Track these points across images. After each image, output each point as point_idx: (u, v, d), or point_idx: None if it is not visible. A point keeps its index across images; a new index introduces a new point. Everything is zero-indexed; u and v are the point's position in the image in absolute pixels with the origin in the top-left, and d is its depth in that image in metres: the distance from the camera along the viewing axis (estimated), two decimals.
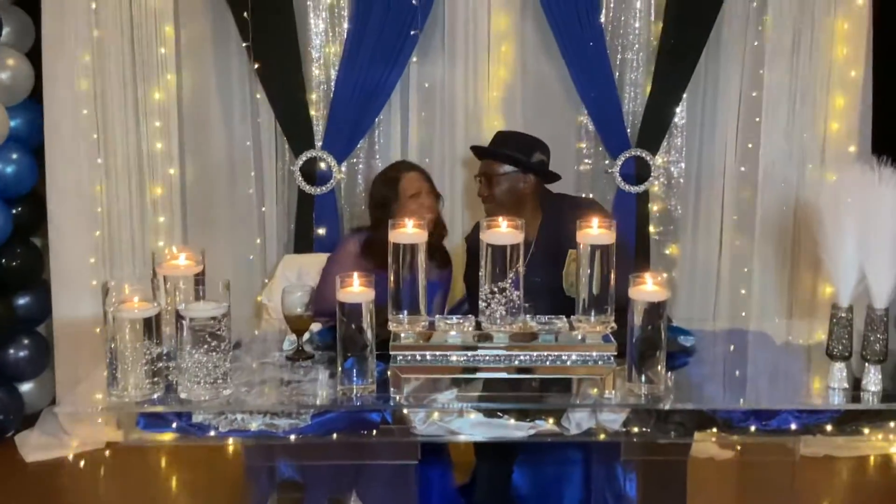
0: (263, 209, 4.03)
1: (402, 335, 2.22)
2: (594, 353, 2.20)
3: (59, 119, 3.82)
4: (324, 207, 3.91)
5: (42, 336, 4.12)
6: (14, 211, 3.96)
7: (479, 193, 3.13)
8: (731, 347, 2.77)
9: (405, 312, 2.22)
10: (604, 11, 3.88)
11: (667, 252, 4.09)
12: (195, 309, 2.18)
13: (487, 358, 2.20)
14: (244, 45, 3.82)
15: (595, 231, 2.21)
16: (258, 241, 4.04)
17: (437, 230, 3.22)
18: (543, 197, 3.12)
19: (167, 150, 3.88)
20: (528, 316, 2.29)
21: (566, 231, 2.70)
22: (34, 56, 3.88)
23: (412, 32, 3.80)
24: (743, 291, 4.01)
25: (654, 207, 4.04)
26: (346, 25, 3.84)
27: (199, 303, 2.21)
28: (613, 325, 2.22)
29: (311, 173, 3.90)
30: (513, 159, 3.05)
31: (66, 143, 3.83)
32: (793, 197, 3.89)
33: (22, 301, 4.07)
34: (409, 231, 2.20)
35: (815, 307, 3.86)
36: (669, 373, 2.32)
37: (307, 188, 3.91)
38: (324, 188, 3.90)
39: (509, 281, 2.18)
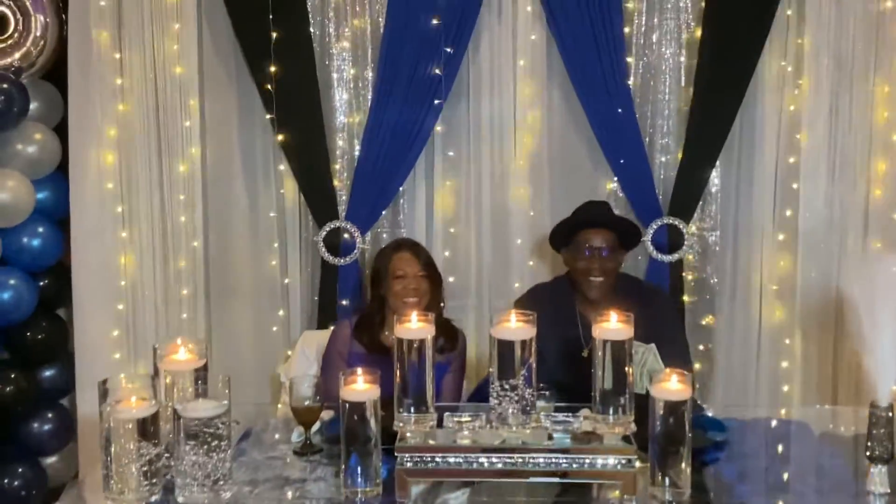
0: (287, 280, 3.97)
1: (409, 435, 2.11)
2: (613, 458, 2.07)
3: (85, 192, 3.82)
4: (347, 278, 3.84)
5: (66, 409, 4.08)
6: (40, 283, 3.96)
7: (589, 266, 2.96)
8: (768, 442, 2.61)
9: (412, 411, 2.11)
10: (632, 76, 3.78)
11: (703, 322, 3.92)
12: (193, 408, 2.10)
13: (499, 461, 2.08)
14: (268, 117, 3.80)
15: (613, 325, 2.09)
16: (281, 312, 3.98)
17: (431, 309, 3.13)
18: (617, 279, 3.03)
19: (191, 222, 3.85)
20: (542, 413, 2.17)
21: (637, 321, 2.53)
22: (62, 130, 3.90)
23: (436, 102, 3.74)
24: (784, 364, 3.82)
25: (689, 277, 3.89)
26: (369, 96, 3.80)
27: (199, 401, 2.13)
28: (633, 425, 2.09)
29: (335, 244, 3.84)
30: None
31: (91, 216, 3.83)
32: (834, 267, 3.72)
33: (47, 374, 4.05)
34: (413, 326, 2.10)
35: (861, 384, 3.65)
36: (702, 469, 2.17)
37: (331, 259, 3.84)
38: (347, 259, 3.84)
39: (521, 378, 2.07)
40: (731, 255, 3.90)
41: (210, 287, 3.95)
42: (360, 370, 2.12)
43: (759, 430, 2.68)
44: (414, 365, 2.09)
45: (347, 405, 2.08)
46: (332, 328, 3.46)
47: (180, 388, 2.19)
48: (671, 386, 2.06)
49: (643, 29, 3.77)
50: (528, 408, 2.09)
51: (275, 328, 3.97)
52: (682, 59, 3.78)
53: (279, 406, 3.15)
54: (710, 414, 2.55)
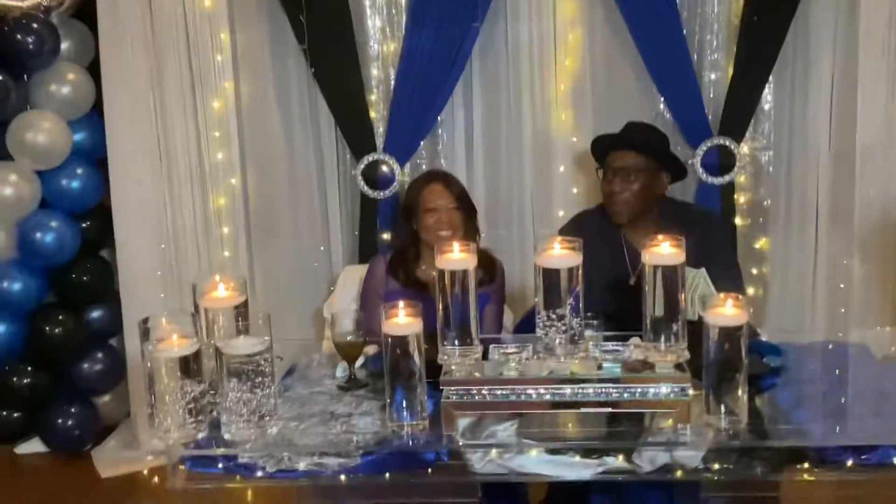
0: (326, 215, 3.91)
1: (454, 368, 2.05)
2: (665, 386, 1.99)
3: (121, 132, 3.78)
4: (387, 211, 3.78)
5: (115, 349, 4.12)
6: (83, 225, 3.96)
7: (610, 189, 2.80)
8: (826, 366, 2.51)
9: (456, 343, 2.05)
10: None
11: (756, 246, 3.80)
12: (235, 345, 2.06)
13: (547, 393, 2.02)
14: (301, 47, 3.70)
15: (665, 250, 1.99)
16: (322, 248, 3.94)
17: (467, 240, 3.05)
18: (662, 201, 2.87)
19: (228, 159, 3.80)
20: (591, 343, 2.09)
21: (687, 246, 2.44)
22: (95, 69, 3.85)
23: (473, 24, 3.60)
24: (842, 286, 3.69)
25: (741, 199, 3.75)
26: (403, 22, 3.67)
27: (240, 338, 2.09)
28: (686, 353, 2.00)
29: (374, 177, 3.76)
30: (660, 150, 2.79)
31: (129, 155, 3.79)
32: (894, 184, 3.55)
33: (95, 314, 4.08)
34: (455, 256, 2.03)
35: None
36: (758, 396, 2.09)
37: (370, 192, 3.77)
38: (387, 192, 3.77)
39: (568, 307, 1.99)
40: (784, 175, 3.76)
41: (251, 224, 3.91)
42: (401, 303, 2.05)
43: (816, 354, 2.57)
44: (457, 297, 2.02)
45: (390, 339, 2.02)
46: None
47: (221, 325, 2.15)
48: (726, 311, 1.96)
49: None
50: (576, 337, 2.01)
51: (316, 264, 3.94)
52: None
53: (323, 341, 3.11)
54: (764, 339, 2.45)
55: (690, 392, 2.00)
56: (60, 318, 3.91)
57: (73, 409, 3.93)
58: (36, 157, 3.73)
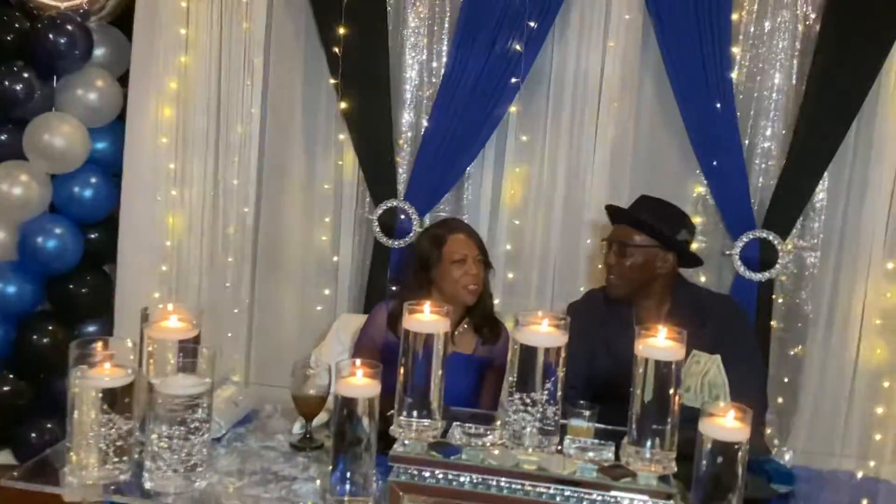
0: (336, 258, 3.72)
1: (407, 443, 1.81)
2: (646, 500, 1.72)
3: (139, 146, 3.67)
4: (400, 262, 3.56)
5: None
6: (89, 236, 3.83)
7: (606, 261, 2.69)
8: (844, 501, 2.19)
9: (414, 415, 1.81)
10: (736, 68, 3.36)
11: (791, 353, 3.47)
12: (171, 384, 1.85)
13: (507, 487, 1.76)
14: (332, 82, 3.55)
15: (660, 342, 1.73)
16: (327, 292, 3.73)
17: (483, 300, 2.82)
18: (674, 283, 2.67)
19: (244, 187, 3.66)
20: (570, 438, 1.83)
21: (696, 327, 2.29)
22: (128, 79, 3.75)
23: (513, 80, 3.41)
24: (879, 410, 3.35)
25: (780, 300, 3.45)
26: (442, 69, 3.50)
27: (179, 376, 1.88)
28: (674, 465, 1.73)
29: (390, 224, 3.56)
30: (656, 230, 2.62)
31: (144, 171, 3.67)
32: None
33: (89, 329, 3.92)
34: (425, 318, 1.80)
35: None
36: None
37: (384, 240, 3.57)
38: (402, 241, 3.56)
39: (545, 393, 1.74)
40: (830, 279, 3.44)
41: (257, 256, 3.74)
42: (358, 361, 1.83)
43: (836, 485, 2.26)
44: (420, 363, 1.79)
45: (340, 400, 1.79)
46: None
47: (163, 359, 1.95)
48: (725, 422, 1.69)
49: (753, 16, 3.35)
50: (550, 428, 1.75)
51: (319, 307, 3.73)
52: (796, 52, 3.34)
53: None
54: (778, 461, 2.15)
55: None
56: (51, 328, 3.77)
57: (48, 425, 3.75)
58: (50, 159, 3.62)
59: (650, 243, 2.61)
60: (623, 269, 2.61)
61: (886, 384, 3.34)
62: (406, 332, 1.79)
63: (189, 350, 1.92)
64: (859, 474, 2.47)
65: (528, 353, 1.73)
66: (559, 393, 1.75)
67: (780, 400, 3.47)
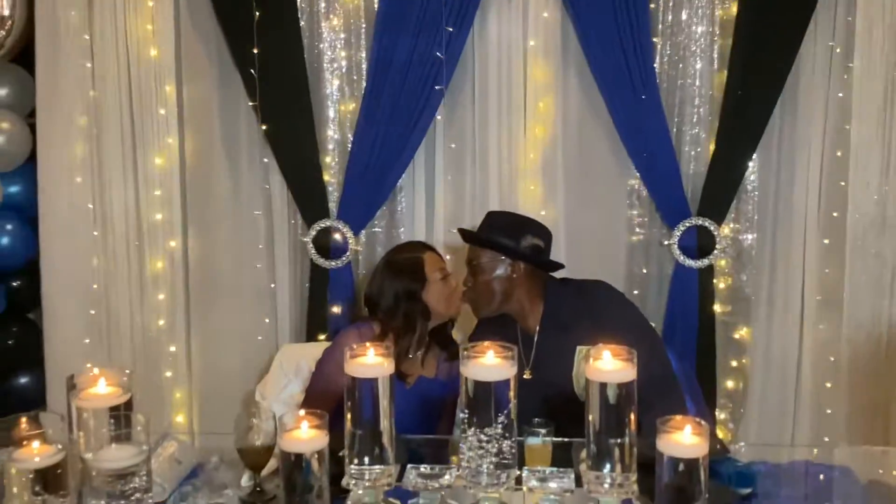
0: (273, 285, 3.61)
1: (361, 493, 1.74)
2: None
3: (53, 187, 3.50)
4: (339, 283, 3.47)
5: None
6: (12, 284, 3.66)
7: (464, 283, 2.70)
8: (803, 493, 2.19)
9: (366, 462, 1.74)
10: (658, 59, 3.35)
11: (736, 336, 3.49)
12: (105, 457, 1.74)
13: None
14: (251, 104, 3.44)
15: (608, 365, 1.69)
16: (267, 320, 3.62)
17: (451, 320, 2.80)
18: (543, 285, 2.65)
19: (168, 220, 3.50)
20: (526, 471, 1.78)
21: (572, 322, 2.44)
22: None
23: (437, 88, 3.34)
24: (828, 385, 3.39)
25: (721, 284, 3.46)
26: (363, 82, 3.41)
27: (113, 447, 1.77)
28: (635, 486, 1.69)
29: (326, 245, 3.47)
30: (497, 244, 2.60)
31: (61, 213, 3.50)
32: (888, 276, 3.27)
33: (23, 380, 3.75)
34: (369, 360, 1.72)
35: None
36: None
37: (321, 262, 3.48)
38: (339, 262, 3.47)
39: (498, 426, 1.68)
40: (769, 260, 3.47)
41: (189, 292, 3.61)
42: (304, 412, 1.74)
43: (794, 477, 2.26)
44: (368, 408, 1.72)
45: (286, 456, 1.71)
46: (321, 339, 3.21)
47: (93, 430, 1.84)
48: (682, 439, 1.65)
49: (671, 4, 3.33)
50: (507, 461, 1.70)
51: (260, 337, 3.62)
52: (716, 38, 3.34)
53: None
54: (737, 460, 2.14)
55: None
56: None
57: None
58: None
59: (496, 258, 2.60)
60: (476, 287, 2.62)
61: (832, 358, 3.37)
62: (352, 380, 1.71)
63: (122, 418, 1.81)
64: (814, 451, 2.47)
65: (478, 388, 1.67)
66: (513, 426, 1.70)
67: (729, 384, 3.49)
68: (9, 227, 3.58)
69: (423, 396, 2.73)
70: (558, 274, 2.71)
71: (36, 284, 3.63)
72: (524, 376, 2.61)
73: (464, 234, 2.77)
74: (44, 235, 3.52)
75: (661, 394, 2.34)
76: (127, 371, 1.94)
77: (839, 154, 3.31)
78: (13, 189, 3.61)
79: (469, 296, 2.68)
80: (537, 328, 2.62)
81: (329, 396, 2.43)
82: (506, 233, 2.62)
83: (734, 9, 3.29)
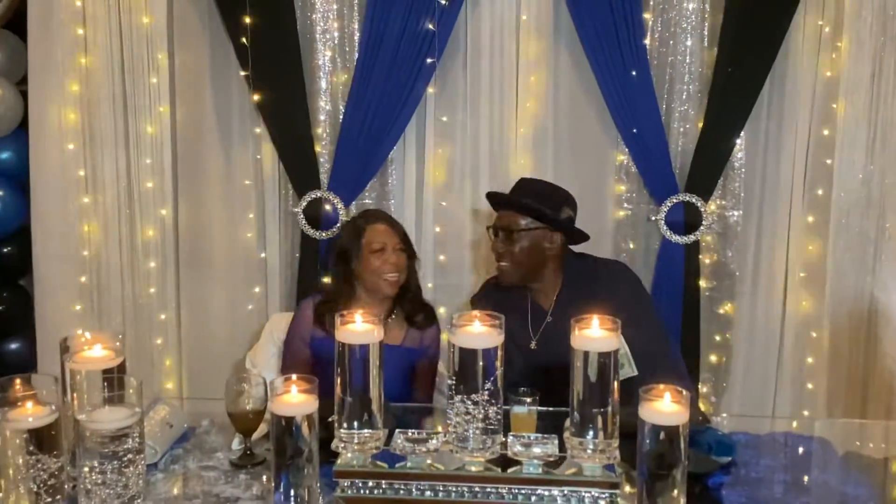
0: (263, 255, 3.64)
1: (350, 456, 1.78)
2: (595, 491, 1.73)
3: (45, 154, 3.51)
4: (324, 256, 3.50)
5: None
6: (2, 251, 3.68)
7: (493, 249, 2.68)
8: (782, 463, 2.24)
9: (355, 426, 1.77)
10: (648, 35, 3.37)
11: (721, 311, 3.54)
12: (98, 419, 1.78)
13: (455, 491, 1.74)
14: (243, 74, 3.44)
15: (596, 332, 1.72)
16: (257, 289, 3.65)
17: (409, 289, 2.82)
18: (565, 261, 2.66)
19: (159, 188, 3.53)
20: (511, 437, 1.82)
21: (590, 299, 2.32)
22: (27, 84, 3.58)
23: (428, 61, 3.36)
24: (809, 360, 3.45)
25: (707, 260, 3.50)
26: (355, 53, 3.42)
27: (106, 409, 1.81)
28: (617, 454, 1.74)
29: (316, 216, 3.49)
30: (540, 213, 2.59)
31: (52, 180, 3.51)
32: (870, 253, 3.32)
33: (12, 347, 3.78)
34: (358, 328, 1.76)
35: None
36: (703, 495, 1.85)
37: (311, 232, 3.50)
38: (329, 232, 3.50)
39: (485, 394, 1.72)
40: (754, 237, 3.52)
41: (180, 260, 3.63)
42: (294, 377, 1.78)
43: (774, 448, 2.31)
44: (358, 374, 1.75)
45: (276, 418, 1.74)
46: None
47: (87, 391, 1.87)
48: (662, 406, 1.69)
49: None
50: (493, 427, 1.74)
51: (250, 306, 3.65)
52: (706, 16, 3.37)
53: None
54: (717, 431, 2.18)
55: (620, 501, 1.73)
56: None
57: None
58: None
59: (536, 226, 2.59)
60: (513, 256, 2.59)
61: (814, 334, 3.43)
62: (341, 346, 1.74)
63: (115, 381, 1.85)
64: (791, 438, 2.51)
65: (466, 355, 1.71)
66: (500, 393, 1.74)
67: (712, 358, 3.55)
68: (0, 193, 3.59)
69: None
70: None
71: (27, 251, 3.65)
72: (530, 346, 2.62)
73: (499, 198, 2.72)
74: (35, 202, 3.54)
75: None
76: (119, 336, 1.96)
77: (826, 133, 3.35)
78: (4, 155, 3.63)
79: (502, 262, 2.62)
80: (552, 303, 2.62)
81: (302, 370, 2.46)
82: (547, 202, 2.59)
83: None
